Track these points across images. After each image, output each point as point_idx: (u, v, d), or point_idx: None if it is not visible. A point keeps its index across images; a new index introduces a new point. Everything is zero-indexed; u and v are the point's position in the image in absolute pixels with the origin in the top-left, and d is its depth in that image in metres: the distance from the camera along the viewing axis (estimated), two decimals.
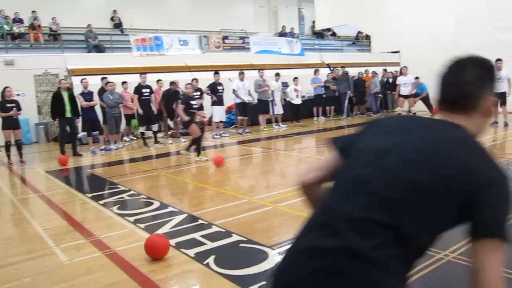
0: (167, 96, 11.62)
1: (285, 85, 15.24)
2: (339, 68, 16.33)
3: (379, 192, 1.19)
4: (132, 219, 5.00)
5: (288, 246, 1.29)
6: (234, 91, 12.43)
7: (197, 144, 8.80)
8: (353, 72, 16.64)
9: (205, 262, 3.62)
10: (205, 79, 12.44)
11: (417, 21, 16.66)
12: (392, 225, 1.14)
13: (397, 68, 17.87)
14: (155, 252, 3.74)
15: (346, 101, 15.49)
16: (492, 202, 1.15)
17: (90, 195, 6.40)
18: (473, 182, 1.16)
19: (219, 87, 12.08)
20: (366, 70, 17.14)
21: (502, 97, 11.13)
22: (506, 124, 11.14)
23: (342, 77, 15.53)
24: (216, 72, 12.19)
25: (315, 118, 15.40)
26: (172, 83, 11.73)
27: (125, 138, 11.76)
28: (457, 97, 1.33)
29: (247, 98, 12.62)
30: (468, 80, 1.32)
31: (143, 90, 10.94)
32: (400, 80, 13.34)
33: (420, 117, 1.46)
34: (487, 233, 1.14)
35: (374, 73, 16.25)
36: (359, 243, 1.13)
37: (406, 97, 13.38)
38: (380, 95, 16.19)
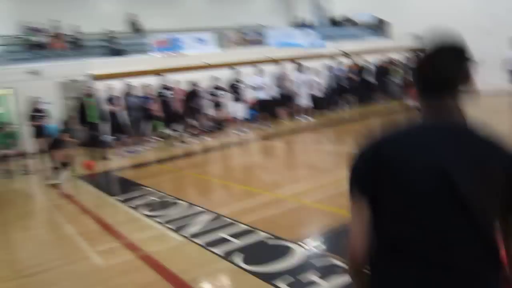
0: (188, 96, 11.78)
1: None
2: (355, 58, 16.20)
3: None
4: (161, 220, 5.16)
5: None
6: (252, 87, 12.50)
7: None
8: (373, 60, 16.51)
9: (233, 260, 3.74)
10: (225, 76, 12.55)
11: (435, 3, 16.39)
12: None
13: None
14: None
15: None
16: None
17: (120, 198, 6.60)
18: None
19: (239, 85, 12.18)
20: (388, 58, 16.95)
21: None
22: None
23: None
24: (235, 69, 12.29)
25: (339, 109, 15.32)
26: (192, 82, 11.87)
27: (150, 139, 11.99)
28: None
29: (267, 93, 12.67)
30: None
31: (164, 91, 11.12)
32: None
33: None
34: None
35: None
36: None
37: None
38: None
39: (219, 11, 20.82)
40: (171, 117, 11.21)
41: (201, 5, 21.27)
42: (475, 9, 15.36)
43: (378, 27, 24.08)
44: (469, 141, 1.28)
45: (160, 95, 11.09)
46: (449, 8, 16.10)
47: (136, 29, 18.71)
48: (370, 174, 1.30)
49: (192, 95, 11.75)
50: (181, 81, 12.33)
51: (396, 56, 16.49)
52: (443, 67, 1.34)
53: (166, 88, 11.22)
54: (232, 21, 19.99)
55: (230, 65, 13.33)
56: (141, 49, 15.62)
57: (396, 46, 17.97)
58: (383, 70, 15.97)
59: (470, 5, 15.46)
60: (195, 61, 14.77)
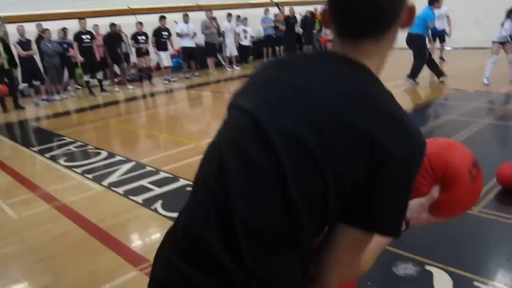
0: (108, 40, 11.16)
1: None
2: (283, 7, 16.15)
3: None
4: (80, 170, 5.02)
5: None
6: (178, 34, 12.12)
7: None
8: (301, 10, 16.55)
9: (152, 207, 3.76)
10: (150, 22, 12.02)
11: None
12: None
13: None
14: None
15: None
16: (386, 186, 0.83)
17: (36, 149, 6.29)
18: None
19: (164, 33, 11.73)
20: (315, 9, 17.04)
21: (441, 34, 11.46)
22: (443, 59, 11.62)
23: None
24: (162, 17, 11.75)
25: (265, 59, 15.37)
26: (112, 25, 11.23)
27: (69, 87, 11.38)
28: (371, 15, 0.87)
29: (193, 41, 12.34)
30: None
31: (83, 37, 10.47)
32: None
33: (306, 55, 1.04)
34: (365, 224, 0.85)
35: None
36: None
37: None
38: None
39: None
40: (91, 63, 10.65)
41: None
42: None
43: None
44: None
45: (79, 40, 10.44)
46: None
47: None
48: None
49: (112, 40, 11.16)
50: (97, 26, 11.61)
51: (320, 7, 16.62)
52: None
53: (85, 33, 10.57)
54: None
55: (155, 11, 12.79)
56: None
57: None
58: (309, 21, 16.07)
59: None
60: (117, 5, 13.98)
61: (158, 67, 12.71)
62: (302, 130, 0.82)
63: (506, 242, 2.87)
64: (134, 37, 11.41)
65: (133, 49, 11.68)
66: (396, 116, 0.84)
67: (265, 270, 0.84)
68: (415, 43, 8.42)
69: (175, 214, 3.50)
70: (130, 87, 11.38)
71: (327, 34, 10.84)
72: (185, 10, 13.06)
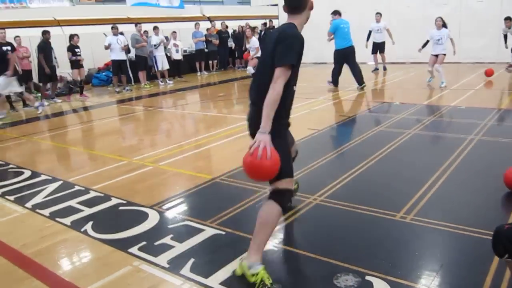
0: (44, 49, 10.53)
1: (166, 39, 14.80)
2: (215, 22, 16.19)
3: None
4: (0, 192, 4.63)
5: None
6: (106, 47, 11.72)
7: None
8: (233, 25, 16.69)
9: (82, 229, 3.52)
10: (79, 34, 11.54)
11: None
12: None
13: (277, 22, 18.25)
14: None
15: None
16: (279, 48, 2.41)
17: None
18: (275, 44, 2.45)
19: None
20: (246, 24, 17.24)
21: (381, 46, 12.47)
22: (384, 69, 13.01)
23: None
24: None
25: (198, 73, 15.28)
26: (45, 32, 10.66)
27: None
28: (296, 4, 2.56)
29: (123, 54, 11.98)
30: None
31: (4, 48, 9.80)
32: None
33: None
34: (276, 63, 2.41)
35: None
36: None
37: None
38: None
39: None
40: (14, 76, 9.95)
41: None
42: None
43: None
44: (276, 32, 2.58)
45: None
46: None
47: None
48: None
49: (48, 47, 10.58)
50: (18, 37, 10.96)
51: (253, 23, 16.88)
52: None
53: (5, 44, 9.89)
54: None
55: (83, 22, 12.33)
56: None
57: (254, 13, 18.40)
58: (240, 36, 16.26)
59: None
60: (41, 16, 13.36)
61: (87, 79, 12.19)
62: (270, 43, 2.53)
63: (439, 248, 2.97)
64: (71, 49, 10.95)
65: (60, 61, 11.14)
66: (287, 32, 2.48)
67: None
68: (353, 53, 9.77)
69: (107, 236, 3.32)
70: (58, 101, 10.82)
71: (249, 51, 11.59)
72: (115, 22, 12.70)
